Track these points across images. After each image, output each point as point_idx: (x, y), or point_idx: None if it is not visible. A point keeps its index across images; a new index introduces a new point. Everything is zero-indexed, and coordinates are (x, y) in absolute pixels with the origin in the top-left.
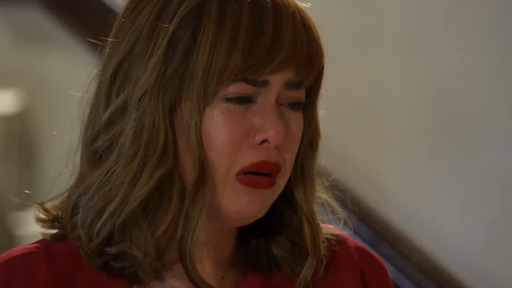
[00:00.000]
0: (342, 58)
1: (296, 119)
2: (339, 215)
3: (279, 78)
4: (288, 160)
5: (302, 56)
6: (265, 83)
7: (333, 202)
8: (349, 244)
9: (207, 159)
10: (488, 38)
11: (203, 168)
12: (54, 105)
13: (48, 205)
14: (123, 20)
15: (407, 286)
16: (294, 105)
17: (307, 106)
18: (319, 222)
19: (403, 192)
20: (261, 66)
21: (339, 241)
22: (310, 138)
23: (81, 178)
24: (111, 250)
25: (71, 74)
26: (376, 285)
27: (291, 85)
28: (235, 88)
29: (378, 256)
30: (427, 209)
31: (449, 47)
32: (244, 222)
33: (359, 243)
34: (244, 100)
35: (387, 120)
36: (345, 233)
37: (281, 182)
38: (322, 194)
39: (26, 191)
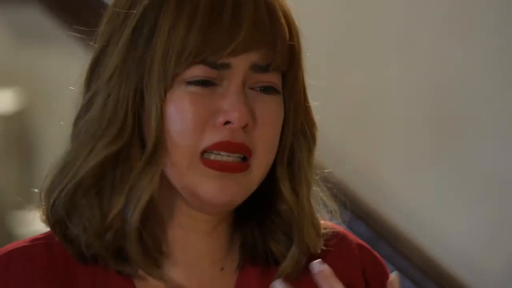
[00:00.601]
0: (342, 58)
1: (269, 102)
2: (331, 209)
3: (242, 61)
4: (261, 143)
5: (265, 37)
6: (226, 66)
7: (325, 195)
8: (350, 240)
9: (168, 141)
10: (488, 38)
11: (157, 146)
12: (53, 104)
13: None
14: (106, 14)
15: (407, 285)
16: (267, 90)
17: (288, 92)
18: (315, 215)
19: (403, 192)
20: (219, 48)
21: (340, 237)
22: (302, 128)
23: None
24: (69, 235)
25: (70, 74)
26: (378, 282)
27: (257, 68)
28: (196, 71)
29: (376, 253)
30: (427, 209)
31: (449, 47)
32: (222, 208)
33: (359, 239)
34: (207, 84)
35: (387, 120)
36: (344, 229)
37: (256, 164)
38: (315, 187)
39: (34, 190)
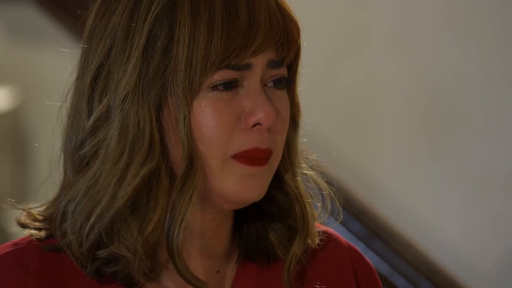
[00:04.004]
0: (336, 56)
1: (282, 98)
2: (326, 192)
3: (260, 59)
4: (280, 142)
5: (280, 34)
6: (248, 66)
7: (318, 179)
8: (342, 242)
9: (199, 150)
10: (483, 34)
11: (192, 160)
12: (47, 102)
13: (33, 211)
14: (94, 25)
15: (401, 282)
16: (278, 82)
17: (289, 84)
18: (310, 202)
19: (397, 190)
20: (242, 50)
21: (332, 239)
22: (293, 116)
23: (68, 185)
24: (102, 253)
25: (65, 72)
26: (368, 282)
27: (273, 64)
28: (220, 76)
29: (364, 255)
30: (421, 206)
31: (443, 43)
32: (245, 204)
33: (348, 241)
34: (230, 86)
35: (381, 119)
36: (336, 232)
37: (274, 158)
38: (308, 171)
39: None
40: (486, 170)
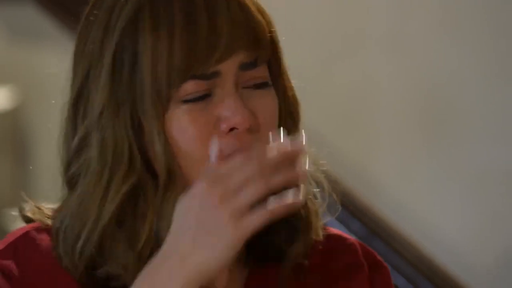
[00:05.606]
0: (331, 58)
1: (265, 96)
2: (325, 188)
3: (229, 64)
4: (266, 141)
5: (246, 36)
6: (216, 74)
7: (319, 175)
8: (357, 247)
9: (179, 163)
10: (478, 36)
11: (170, 174)
12: (47, 102)
13: (43, 208)
14: (77, 47)
15: (401, 282)
16: (260, 85)
17: (275, 79)
18: (309, 198)
19: (397, 189)
20: (204, 59)
21: (348, 243)
22: (289, 110)
23: (62, 204)
24: (100, 273)
25: (65, 72)
26: (380, 279)
27: (246, 66)
28: (189, 88)
29: (382, 260)
30: (419, 204)
31: (439, 45)
32: None
33: (367, 246)
34: (202, 98)
35: (380, 117)
36: (352, 237)
37: None
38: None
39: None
40: (484, 167)
